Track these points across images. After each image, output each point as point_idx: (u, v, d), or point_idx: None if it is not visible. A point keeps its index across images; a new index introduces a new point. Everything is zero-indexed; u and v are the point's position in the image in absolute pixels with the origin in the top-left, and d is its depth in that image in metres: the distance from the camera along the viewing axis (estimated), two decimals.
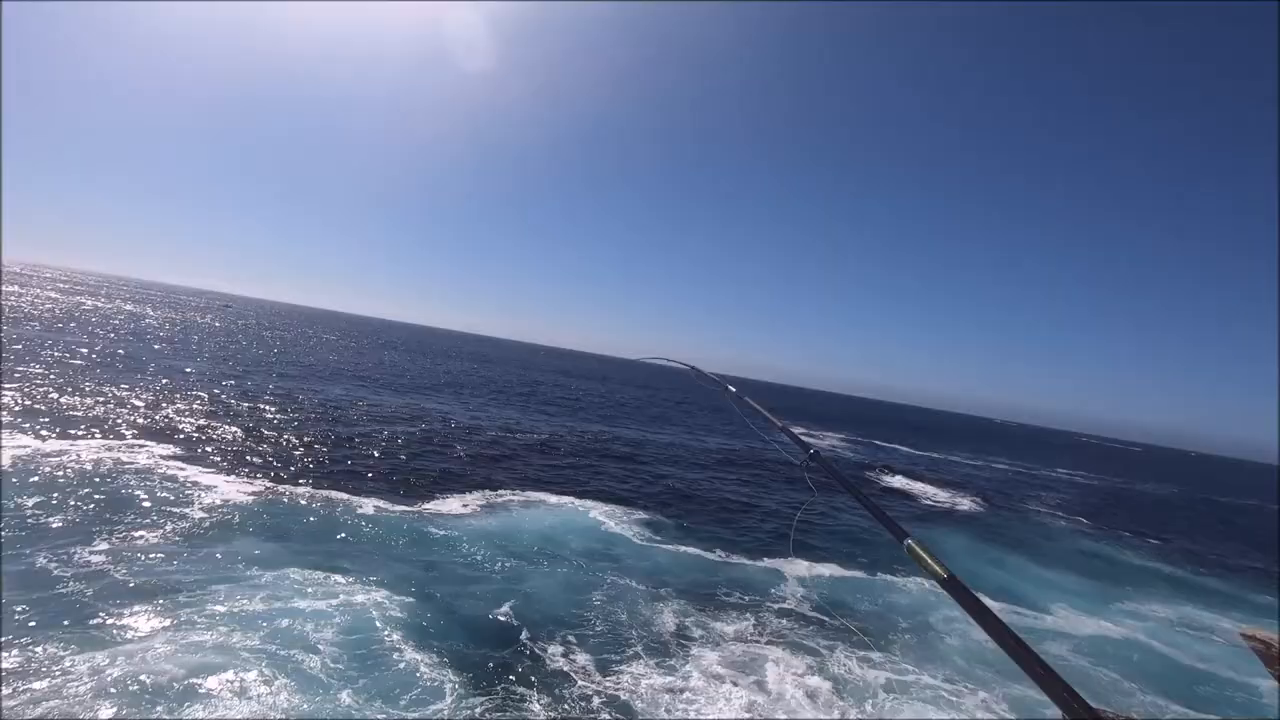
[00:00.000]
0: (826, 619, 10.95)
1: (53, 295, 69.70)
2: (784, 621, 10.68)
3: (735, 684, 8.33)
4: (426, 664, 7.57)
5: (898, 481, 30.42)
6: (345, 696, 6.67)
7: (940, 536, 19.31)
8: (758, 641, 9.76)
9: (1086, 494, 40.18)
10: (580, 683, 7.80)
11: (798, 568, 13.60)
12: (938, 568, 1.60)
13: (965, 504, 27.16)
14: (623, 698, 7.60)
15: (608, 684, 7.85)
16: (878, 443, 55.65)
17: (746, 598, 11.48)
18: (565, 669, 8.05)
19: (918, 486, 30.46)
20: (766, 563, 13.63)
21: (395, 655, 7.65)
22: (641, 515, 15.78)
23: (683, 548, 13.72)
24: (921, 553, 1.71)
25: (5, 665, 6.12)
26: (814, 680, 8.80)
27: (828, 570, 13.94)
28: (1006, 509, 27.67)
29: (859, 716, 8.22)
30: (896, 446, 54.71)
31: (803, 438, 3.22)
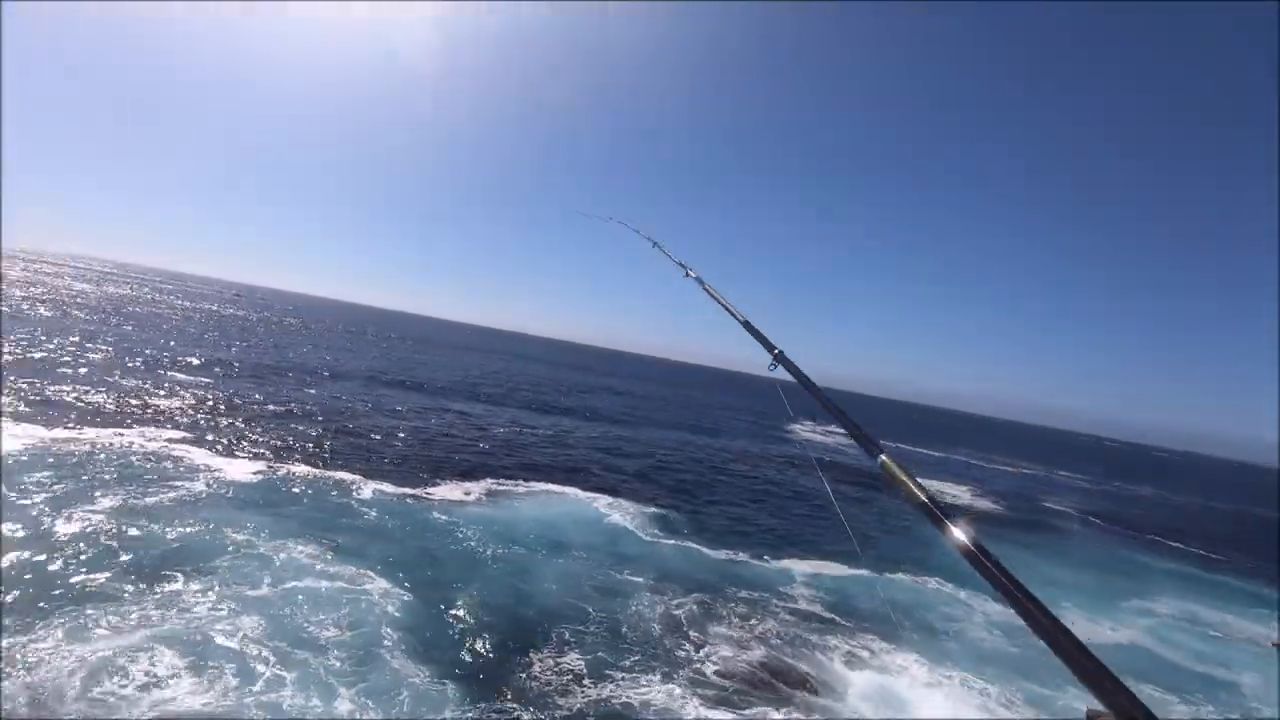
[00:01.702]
0: (838, 619, 10.64)
1: (80, 286, 69.45)
2: (792, 621, 10.31)
3: (739, 690, 7.93)
4: (416, 653, 7.34)
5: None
6: (333, 679, 6.50)
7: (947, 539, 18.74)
8: (764, 643, 9.33)
9: (1099, 497, 39.76)
10: (573, 687, 7.37)
11: (806, 565, 13.29)
12: (915, 488, 1.48)
13: (973, 501, 26.87)
14: (616, 706, 7.18)
15: (603, 690, 7.43)
16: (881, 441, 55.03)
17: (754, 595, 11.09)
18: (558, 669, 7.66)
19: (932, 484, 29.90)
20: (774, 561, 13.27)
21: (386, 641, 7.42)
22: (648, 509, 15.47)
23: (689, 543, 13.41)
24: (896, 470, 1.58)
25: (5, 641, 5.98)
26: (820, 681, 8.46)
27: (836, 569, 13.56)
28: (1017, 508, 27.38)
29: (871, 718, 7.93)
30: (898, 445, 54.18)
31: (595, 500, 2.90)
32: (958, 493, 29.29)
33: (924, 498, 1.45)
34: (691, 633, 9.21)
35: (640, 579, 10.83)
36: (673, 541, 13.34)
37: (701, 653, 8.63)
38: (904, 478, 1.54)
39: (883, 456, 1.66)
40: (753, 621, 9.97)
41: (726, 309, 3.34)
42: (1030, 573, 16.00)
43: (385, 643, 7.37)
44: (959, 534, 1.30)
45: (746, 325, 3.03)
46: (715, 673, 8.19)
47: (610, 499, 15.68)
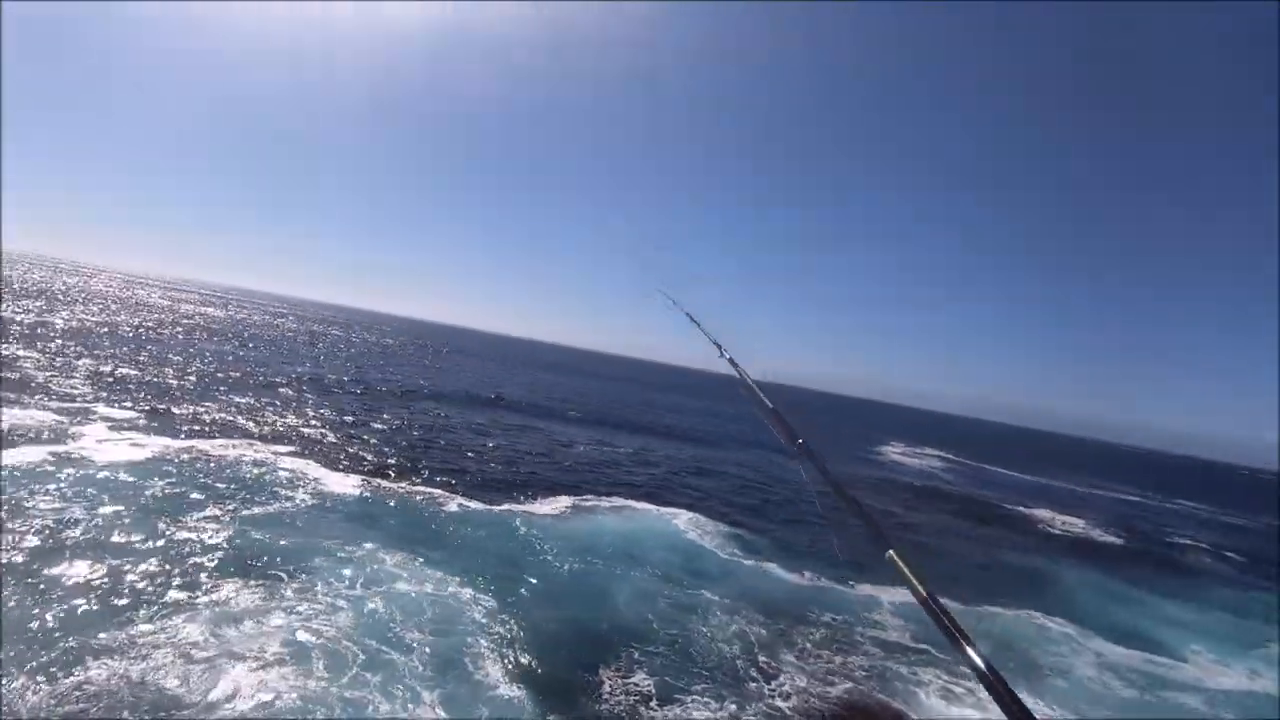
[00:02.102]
0: (931, 650, 9.91)
1: (159, 301, 76.92)
2: (878, 653, 9.68)
3: None
4: (495, 660, 7.49)
5: (1019, 509, 27.96)
6: (415, 681, 6.76)
7: (1064, 570, 17.42)
8: (847, 675, 8.79)
9: (1236, 532, 35.55)
10: (640, 709, 7.20)
11: (897, 593, 12.53)
12: (917, 584, 1.48)
13: (1095, 535, 24.75)
14: None
15: (670, 714, 7.22)
16: (982, 465, 51.97)
17: (837, 621, 10.58)
18: (626, 689, 7.50)
19: (1041, 513, 28.03)
20: (860, 588, 12.54)
21: (467, 647, 7.62)
22: (727, 528, 15.22)
23: (768, 564, 13.03)
24: (902, 565, 1.59)
25: (114, 624, 6.59)
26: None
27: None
28: (1141, 543, 24.92)
29: None
30: (1001, 470, 50.74)
31: (674, 516, 2.85)
32: (1070, 522, 27.08)
33: (924, 593, 1.42)
34: (764, 659, 8.81)
35: (715, 598, 10.60)
36: (751, 562, 13.02)
37: (774, 684, 8.21)
38: (908, 573, 1.52)
39: (890, 551, 1.67)
40: (834, 651, 9.46)
41: (757, 394, 3.32)
42: (1155, 612, 14.58)
43: (466, 648, 7.57)
44: (974, 655, 1.24)
45: (774, 413, 3.05)
46: (792, 708, 7.76)
47: (690, 515, 15.55)
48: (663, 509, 15.87)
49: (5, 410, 13.68)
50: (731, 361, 4.16)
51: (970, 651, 1.24)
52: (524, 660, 7.66)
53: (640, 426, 33.00)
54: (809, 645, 9.55)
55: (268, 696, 5.99)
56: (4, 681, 5.53)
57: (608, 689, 7.44)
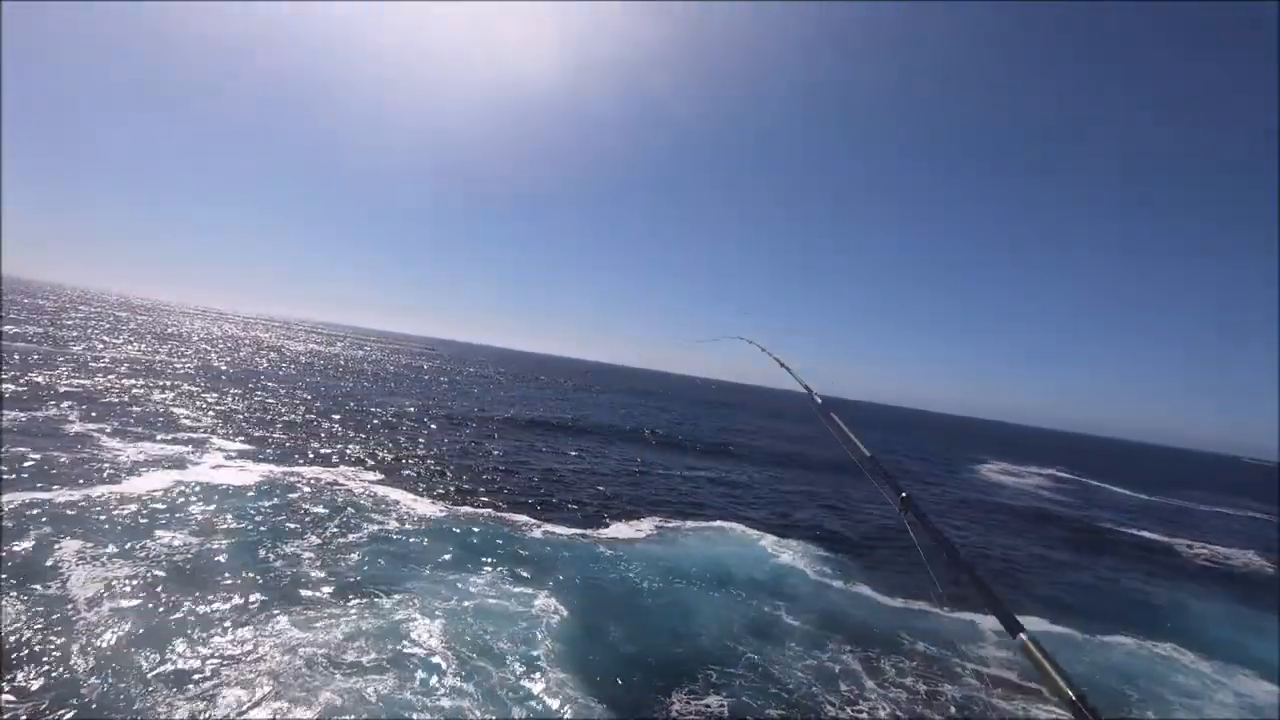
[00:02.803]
0: (1036, 685, 9.05)
1: (295, 345, 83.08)
2: (977, 686, 9.02)
3: None
4: (575, 675, 7.62)
5: (1142, 531, 25.74)
6: (503, 690, 7.04)
7: (1194, 600, 15.85)
8: (940, 709, 8.25)
9: None
10: None
11: (993, 620, 11.77)
12: (1062, 683, 1.19)
13: (1229, 560, 22.30)
14: None
15: None
16: (1091, 482, 48.14)
17: (931, 651, 9.95)
18: (699, 711, 7.40)
19: (1163, 536, 25.67)
20: (957, 614, 11.71)
21: (549, 663, 7.81)
22: (818, 550, 14.86)
23: (860, 588, 12.58)
24: (1040, 656, 1.29)
25: (223, 626, 7.20)
26: None
27: (1036, 624, 11.97)
28: (1273, 566, 22.27)
29: None
30: (1113, 488, 46.71)
31: (899, 481, 2.62)
32: (1198, 545, 24.59)
33: (1072, 695, 1.20)
34: (846, 686, 8.42)
35: (800, 621, 10.33)
36: (841, 584, 12.64)
37: (853, 709, 7.85)
38: (1049, 668, 1.28)
39: (1023, 635, 1.43)
40: (922, 680, 8.91)
41: (853, 441, 3.09)
42: None
43: (549, 664, 7.76)
44: None
45: (873, 462, 2.83)
46: None
47: (778, 538, 15.29)
48: (748, 529, 15.73)
49: (138, 443, 15.36)
50: (821, 408, 4.08)
51: None
52: (602, 676, 7.76)
53: (716, 447, 32.73)
54: (895, 673, 9.06)
55: (367, 701, 6.40)
56: (111, 686, 6.14)
57: (678, 709, 7.39)
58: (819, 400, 4.36)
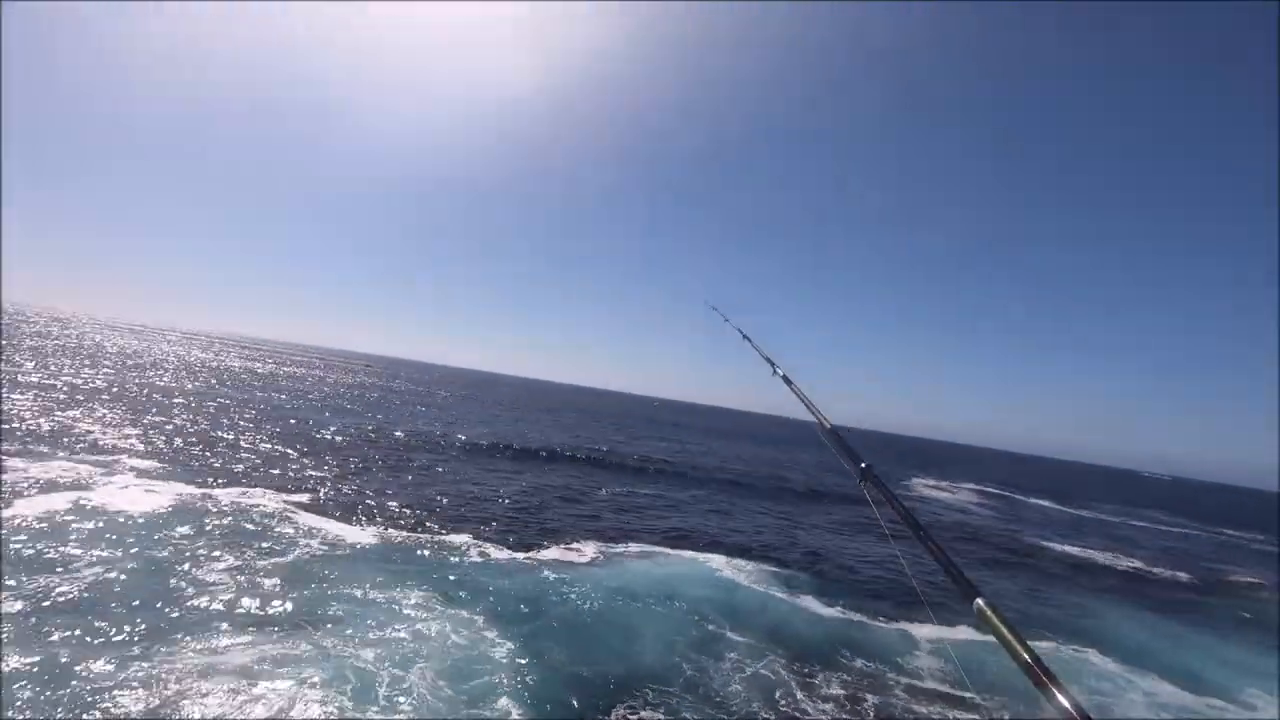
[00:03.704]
0: (966, 694, 9.56)
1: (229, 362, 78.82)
2: (905, 697, 9.28)
3: None
4: (509, 695, 7.50)
5: (1063, 545, 27.11)
6: (434, 716, 6.83)
7: (1109, 607, 16.87)
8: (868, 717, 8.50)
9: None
10: None
11: (928, 630, 12.27)
12: (1019, 646, 1.22)
13: (1141, 569, 23.89)
14: None
15: None
16: (1015, 496, 50.71)
17: (868, 665, 10.22)
18: None
19: (1080, 547, 27.34)
20: (892, 625, 12.32)
21: (486, 684, 7.65)
22: (765, 567, 14.98)
23: (804, 599, 12.87)
24: (996, 621, 1.32)
25: (127, 671, 6.71)
26: None
27: (966, 634, 12.45)
28: (1185, 575, 23.94)
29: None
30: (1037, 501, 49.48)
31: (708, 559, 2.63)
32: (1113, 555, 26.24)
33: (1027, 657, 1.21)
34: (784, 700, 8.55)
35: (743, 638, 10.39)
36: (785, 596, 12.86)
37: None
38: (1005, 630, 1.30)
39: (979, 601, 1.44)
40: (861, 691, 9.14)
41: (814, 415, 3.13)
42: (1208, 653, 13.99)
43: (485, 685, 7.59)
44: (1065, 701, 1.13)
45: (834, 435, 2.86)
46: None
47: (725, 558, 15.33)
48: (695, 551, 15.65)
49: (36, 462, 14.22)
50: (785, 378, 4.06)
51: (1063, 700, 1.13)
52: (538, 698, 7.60)
53: (666, 470, 32.29)
54: (834, 686, 9.24)
55: None
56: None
57: None
58: (780, 372, 4.33)
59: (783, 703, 8.55)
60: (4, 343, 46.35)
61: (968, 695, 9.58)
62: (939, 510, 33.68)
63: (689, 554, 15.47)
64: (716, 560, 15.03)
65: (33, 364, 35.21)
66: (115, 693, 6.32)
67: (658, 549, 15.62)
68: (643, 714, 7.64)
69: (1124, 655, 12.40)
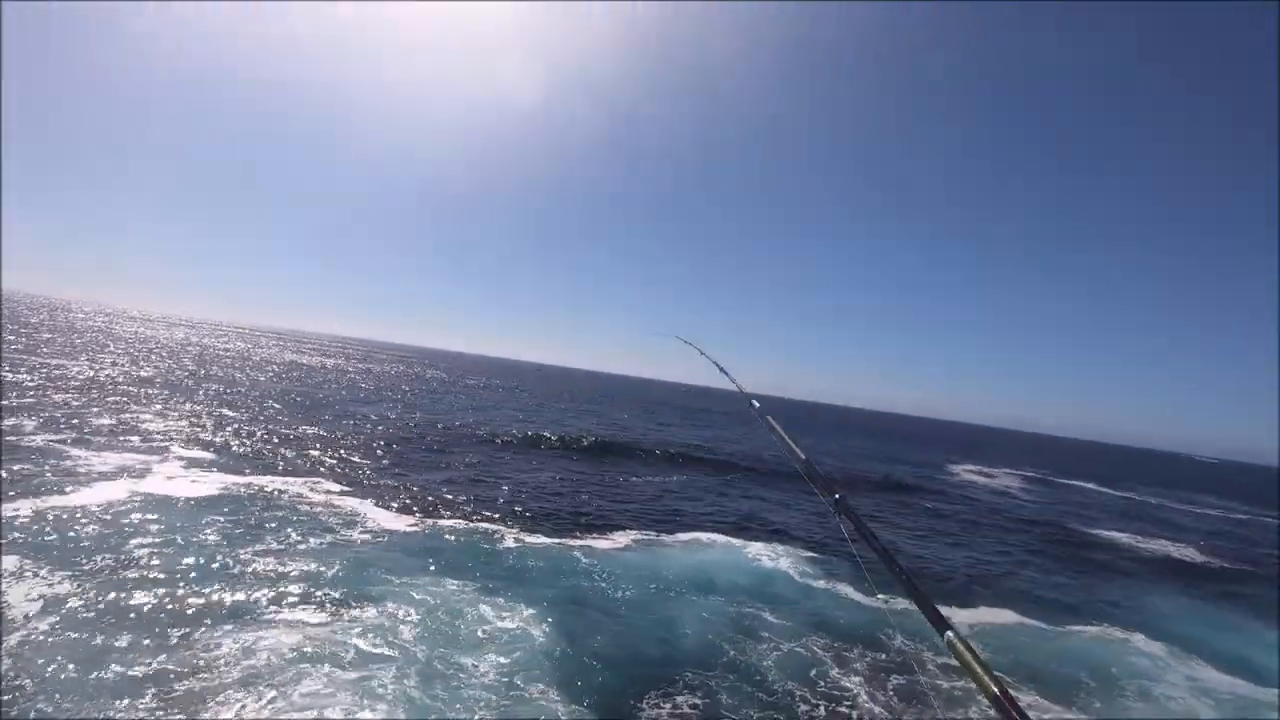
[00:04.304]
0: (1012, 679, 9.49)
1: (269, 353, 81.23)
2: (940, 675, 9.34)
3: None
4: (547, 678, 7.61)
5: (1108, 530, 26.52)
6: (476, 694, 7.02)
7: (1153, 592, 16.52)
8: (908, 702, 8.46)
9: None
10: None
11: (968, 615, 12.22)
12: (986, 679, 1.24)
13: (1184, 555, 23.17)
14: None
15: None
16: (1060, 480, 49.69)
17: (912, 648, 10.20)
18: (673, 713, 7.43)
19: (1126, 531, 26.82)
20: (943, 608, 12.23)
21: (524, 667, 7.78)
22: (803, 553, 14.91)
23: (843, 586, 12.76)
24: (965, 652, 1.35)
25: (171, 643, 7.11)
26: None
27: (1005, 616, 12.44)
28: (1235, 560, 23.21)
29: None
30: (1081, 484, 48.45)
31: (746, 547, 2.66)
32: (1157, 539, 25.60)
33: (996, 690, 1.22)
34: (822, 685, 8.53)
35: (782, 621, 10.44)
36: (823, 585, 12.78)
37: (832, 706, 7.97)
38: (975, 664, 1.32)
39: (950, 634, 1.47)
40: (900, 676, 9.09)
41: (789, 447, 3.18)
42: (1258, 641, 13.59)
43: (523, 668, 7.75)
44: None
45: (807, 466, 2.93)
46: None
47: (761, 544, 15.31)
48: (730, 538, 15.62)
49: (95, 453, 14.95)
50: (762, 414, 4.00)
51: None
52: (582, 682, 7.74)
53: (678, 455, 31.50)
54: (874, 668, 9.27)
55: (337, 708, 6.32)
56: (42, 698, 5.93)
57: (659, 712, 7.42)
58: (756, 404, 4.31)
59: (823, 685, 8.58)
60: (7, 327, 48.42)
61: (1003, 677, 9.59)
62: (980, 495, 33.13)
63: (723, 539, 15.49)
64: (752, 547, 14.99)
65: (67, 355, 36.72)
66: (157, 678, 6.55)
67: (689, 534, 15.65)
68: (689, 700, 7.74)
69: (1168, 639, 12.14)
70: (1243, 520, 39.66)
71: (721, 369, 5.92)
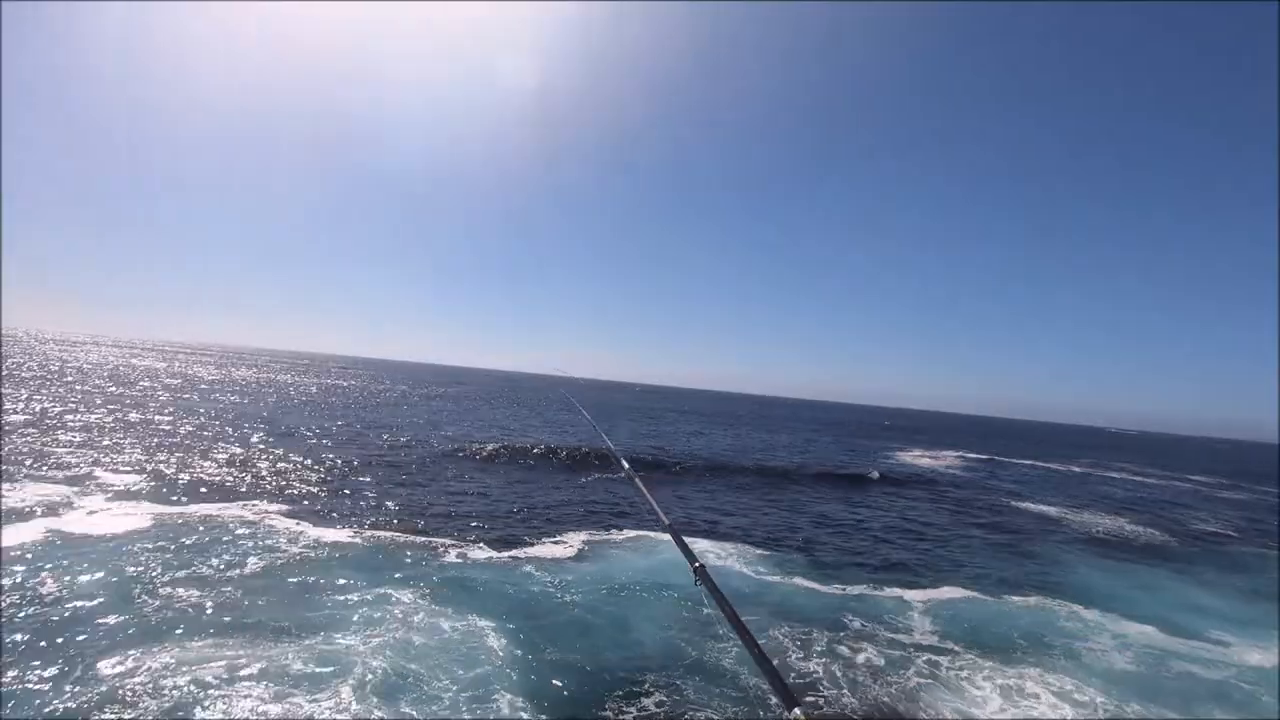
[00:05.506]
0: (959, 649, 10.04)
1: (153, 364, 77.15)
2: (899, 656, 9.63)
3: None
4: (505, 689, 7.49)
5: (1041, 505, 27.88)
6: (433, 710, 6.88)
7: (1078, 558, 17.60)
8: (874, 677, 8.76)
9: (1243, 506, 35.03)
10: None
11: (919, 594, 12.74)
12: None
13: (1106, 521, 24.64)
14: None
15: None
16: (997, 458, 52.31)
17: (865, 628, 10.61)
18: (637, 715, 7.41)
19: (1052, 502, 28.47)
20: (888, 591, 12.84)
21: (481, 680, 7.63)
22: (755, 550, 15.02)
23: (797, 579, 12.98)
24: None
25: (106, 671, 6.80)
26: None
27: (951, 593, 13.02)
28: (1155, 525, 24.82)
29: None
30: (1015, 461, 51.22)
31: (693, 544, 2.84)
32: (1081, 509, 27.27)
33: None
34: (789, 676, 8.60)
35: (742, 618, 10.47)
36: (779, 579, 12.93)
37: (796, 694, 8.12)
38: None
39: (797, 710, 1.49)
40: (862, 657, 9.43)
41: (656, 512, 3.45)
42: (1177, 598, 14.59)
43: (480, 680, 7.59)
44: None
45: (673, 532, 3.08)
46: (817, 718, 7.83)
47: (712, 542, 15.35)
48: (686, 537, 15.28)
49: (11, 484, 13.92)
50: (630, 472, 4.32)
51: None
52: (539, 689, 7.64)
53: (651, 455, 31.77)
54: (834, 654, 9.47)
55: None
56: None
57: (624, 714, 7.40)
58: (626, 465, 4.58)
59: (789, 675, 8.65)
60: None
61: (955, 647, 10.18)
62: (926, 475, 34.40)
63: (672, 539, 15.31)
64: (701, 545, 15.01)
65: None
66: (95, 709, 6.24)
67: (644, 534, 15.49)
68: (652, 700, 7.71)
69: (1088, 601, 13.07)
70: (1159, 485, 42.53)
71: (594, 425, 6.59)
